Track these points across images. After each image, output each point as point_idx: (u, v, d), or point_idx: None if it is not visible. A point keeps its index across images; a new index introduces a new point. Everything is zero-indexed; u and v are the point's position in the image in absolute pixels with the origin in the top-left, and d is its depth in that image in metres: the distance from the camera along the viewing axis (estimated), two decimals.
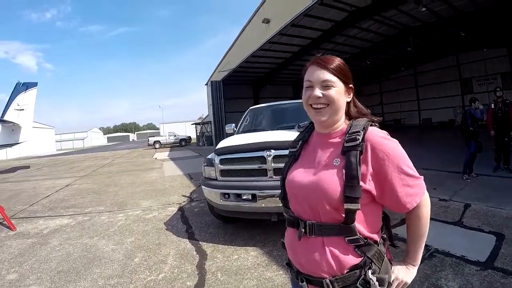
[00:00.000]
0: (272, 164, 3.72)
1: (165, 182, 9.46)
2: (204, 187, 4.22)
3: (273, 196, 3.57)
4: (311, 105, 1.14)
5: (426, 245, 1.19)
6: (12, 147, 20.98)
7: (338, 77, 1.11)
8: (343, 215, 1.04)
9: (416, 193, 1.07)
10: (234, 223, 4.67)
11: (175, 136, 35.30)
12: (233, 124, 5.64)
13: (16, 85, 19.60)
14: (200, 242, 4.13)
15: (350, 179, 1.02)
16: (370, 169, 1.04)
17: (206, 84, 28.98)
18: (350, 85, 1.17)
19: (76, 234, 4.99)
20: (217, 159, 4.08)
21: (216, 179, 4.10)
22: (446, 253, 3.25)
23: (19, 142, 19.49)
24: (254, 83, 27.98)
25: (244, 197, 3.75)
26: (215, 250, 3.82)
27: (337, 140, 1.14)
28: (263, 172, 3.79)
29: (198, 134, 34.99)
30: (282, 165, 3.61)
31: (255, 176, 3.83)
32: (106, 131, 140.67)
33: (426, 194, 1.11)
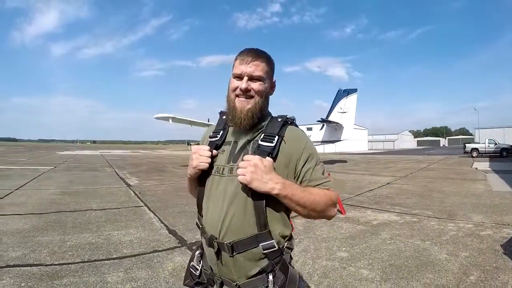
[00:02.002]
0: None
1: (494, 198, 8.33)
2: None
3: None
4: None
5: None
6: (334, 143, 25.69)
7: None
8: None
9: None
10: None
11: (495, 144, 30.50)
12: None
13: (337, 92, 24.28)
14: None
15: None
16: None
17: None
18: None
19: (406, 233, 5.27)
20: None
21: None
22: None
23: (340, 139, 23.78)
24: None
25: None
26: None
27: None
28: None
29: None
30: None
31: None
32: (416, 134, 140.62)
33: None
